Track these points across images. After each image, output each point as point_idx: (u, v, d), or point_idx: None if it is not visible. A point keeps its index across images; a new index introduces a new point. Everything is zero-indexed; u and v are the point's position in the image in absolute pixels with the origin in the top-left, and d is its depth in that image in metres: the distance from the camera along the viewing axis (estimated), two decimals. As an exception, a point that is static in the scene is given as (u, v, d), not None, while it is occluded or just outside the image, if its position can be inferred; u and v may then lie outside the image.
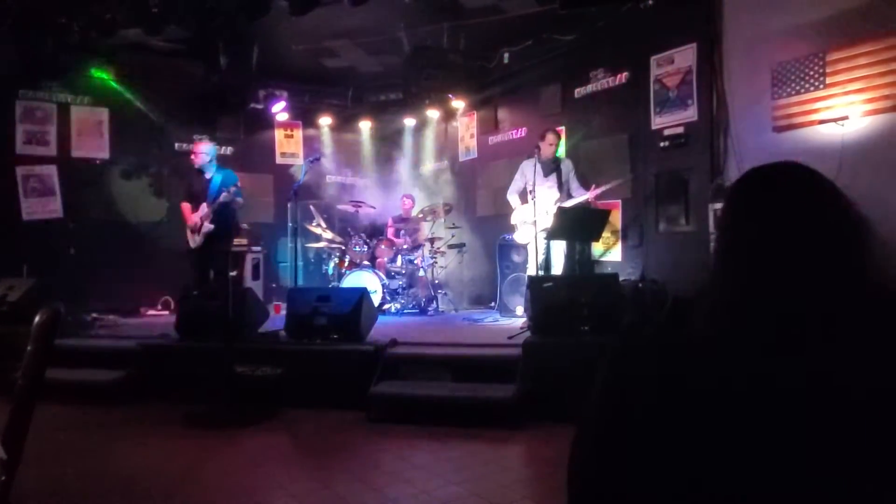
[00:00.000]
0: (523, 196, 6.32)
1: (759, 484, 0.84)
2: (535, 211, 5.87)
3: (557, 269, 6.18)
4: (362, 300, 5.09)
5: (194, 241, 6.05)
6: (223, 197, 5.85)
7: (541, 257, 6.05)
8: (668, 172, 6.24)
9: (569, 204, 6.02)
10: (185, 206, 6.17)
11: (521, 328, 5.27)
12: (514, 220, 6.46)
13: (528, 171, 6.11)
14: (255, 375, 4.77)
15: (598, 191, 5.91)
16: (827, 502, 0.82)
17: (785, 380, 0.87)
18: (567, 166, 6.32)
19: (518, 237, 6.47)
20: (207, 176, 6.14)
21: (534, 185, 5.91)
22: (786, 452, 0.84)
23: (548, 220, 5.95)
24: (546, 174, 6.17)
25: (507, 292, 6.99)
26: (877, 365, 0.86)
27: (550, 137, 6.23)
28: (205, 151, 6.15)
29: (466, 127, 9.19)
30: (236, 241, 7.47)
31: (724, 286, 1.02)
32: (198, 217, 6.00)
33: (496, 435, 4.04)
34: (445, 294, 7.89)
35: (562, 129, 7.17)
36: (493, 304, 7.50)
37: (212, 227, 5.96)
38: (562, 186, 6.19)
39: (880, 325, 0.89)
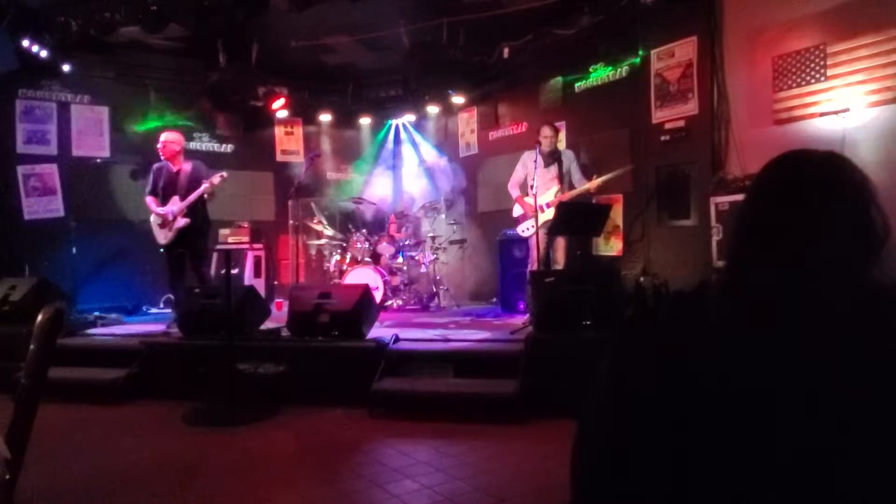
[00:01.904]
0: (524, 188, 6.32)
1: (760, 471, 0.85)
2: (535, 204, 5.87)
3: (559, 263, 6.18)
4: (364, 297, 5.09)
5: (165, 236, 5.78)
6: (205, 189, 5.70)
7: (542, 252, 6.04)
8: (669, 166, 6.23)
9: (570, 195, 6.02)
10: (151, 200, 5.86)
11: (524, 323, 5.27)
12: (516, 213, 6.46)
13: (528, 163, 6.11)
14: (257, 373, 4.78)
15: (600, 181, 5.90)
16: (829, 489, 0.83)
17: (785, 369, 0.87)
18: (568, 157, 6.30)
19: (520, 230, 6.47)
20: (174, 169, 5.89)
21: (535, 178, 5.90)
22: (786, 440, 0.85)
23: (549, 213, 5.95)
24: (546, 165, 6.17)
25: (509, 287, 6.99)
26: (875, 356, 0.86)
27: (545, 130, 6.21)
28: (178, 142, 5.92)
29: (467, 122, 9.18)
30: (233, 238, 7.48)
31: (732, 266, 1.03)
32: (169, 211, 5.73)
33: (499, 430, 4.05)
34: (447, 290, 7.89)
35: (561, 123, 7.16)
36: (494, 299, 7.50)
37: (187, 220, 5.73)
38: (562, 177, 6.18)
39: (880, 320, 0.89)
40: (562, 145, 6.80)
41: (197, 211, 5.82)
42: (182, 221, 5.72)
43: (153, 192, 5.89)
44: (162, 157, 5.91)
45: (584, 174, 6.19)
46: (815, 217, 0.95)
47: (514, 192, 6.38)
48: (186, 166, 5.89)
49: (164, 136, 5.92)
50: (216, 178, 5.74)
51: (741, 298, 0.97)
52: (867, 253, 0.94)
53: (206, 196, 5.82)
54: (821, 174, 1.00)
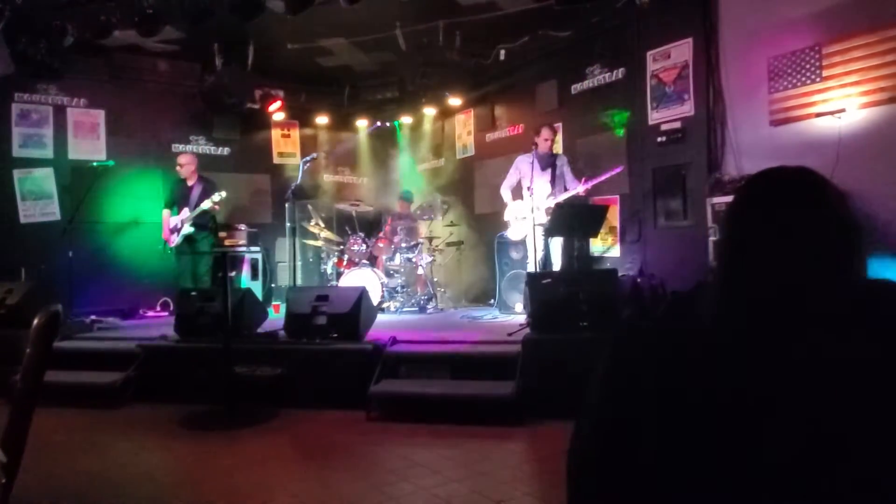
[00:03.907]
0: (516, 192, 6.32)
1: (756, 471, 0.85)
2: (532, 206, 5.88)
3: (556, 265, 6.19)
4: (361, 299, 5.09)
5: (173, 240, 6.77)
6: (206, 205, 6.48)
7: (539, 254, 6.05)
8: (666, 167, 6.23)
9: (562, 198, 6.04)
10: (165, 212, 6.89)
11: (521, 325, 5.27)
12: (506, 216, 6.47)
13: (522, 167, 6.13)
14: (254, 375, 4.77)
15: (590, 184, 5.92)
16: (828, 480, 0.83)
17: (781, 366, 0.88)
18: (561, 161, 6.34)
19: (511, 234, 6.47)
20: (189, 184, 6.83)
21: (531, 180, 5.91)
22: (784, 442, 0.85)
23: (542, 216, 5.97)
24: (543, 168, 6.19)
25: (506, 289, 6.99)
26: (877, 356, 0.87)
27: (545, 132, 6.24)
28: (191, 162, 6.86)
29: (463, 124, 9.18)
30: (229, 242, 7.68)
31: (725, 279, 1.05)
32: (178, 220, 6.74)
33: (496, 432, 4.05)
34: (444, 292, 7.89)
35: (558, 125, 7.17)
36: (492, 301, 7.50)
37: (192, 229, 6.67)
38: (556, 181, 6.21)
39: (866, 316, 0.91)
40: (557, 147, 6.81)
41: (202, 221, 6.67)
42: (187, 229, 6.66)
43: (168, 205, 6.90)
44: (180, 175, 6.87)
45: (575, 177, 6.22)
46: (804, 221, 0.97)
47: (507, 195, 6.40)
48: (199, 183, 6.82)
49: (179, 159, 6.93)
50: (216, 199, 6.50)
51: (740, 300, 0.98)
52: (852, 252, 0.97)
53: (209, 210, 6.55)
54: (801, 182, 1.03)
